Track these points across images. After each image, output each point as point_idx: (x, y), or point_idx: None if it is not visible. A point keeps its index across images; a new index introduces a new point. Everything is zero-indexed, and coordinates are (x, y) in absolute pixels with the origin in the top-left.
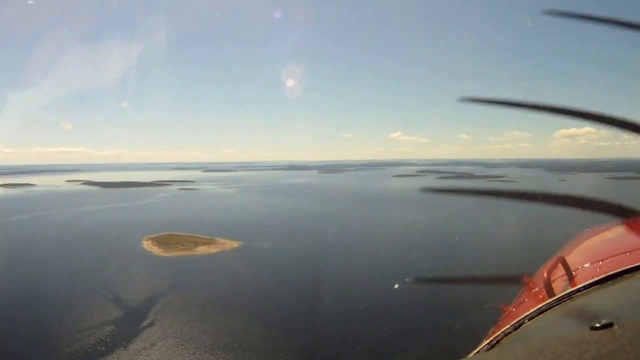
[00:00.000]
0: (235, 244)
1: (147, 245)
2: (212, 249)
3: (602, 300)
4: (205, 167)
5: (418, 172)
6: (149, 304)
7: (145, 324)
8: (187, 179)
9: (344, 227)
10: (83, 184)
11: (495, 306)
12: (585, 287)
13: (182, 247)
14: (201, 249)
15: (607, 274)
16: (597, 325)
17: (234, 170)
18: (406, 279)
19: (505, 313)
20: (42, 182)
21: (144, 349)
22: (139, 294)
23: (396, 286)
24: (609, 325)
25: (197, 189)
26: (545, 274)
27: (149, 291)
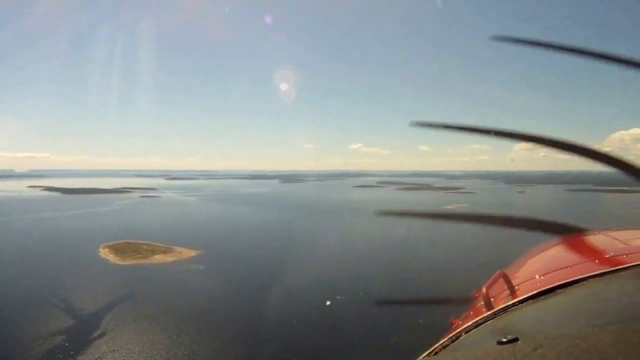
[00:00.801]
0: (192, 253)
1: (104, 253)
2: (169, 258)
3: (528, 314)
4: (168, 175)
5: (378, 183)
6: (101, 313)
7: (95, 334)
8: (149, 187)
9: (297, 238)
10: (45, 189)
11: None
12: (520, 302)
13: (138, 256)
14: (158, 258)
15: (541, 289)
16: (504, 340)
17: (196, 179)
18: (338, 297)
19: (454, 325)
20: (4, 187)
21: None
22: (92, 304)
23: (328, 303)
24: (514, 340)
25: (158, 197)
26: (484, 289)
27: (102, 300)
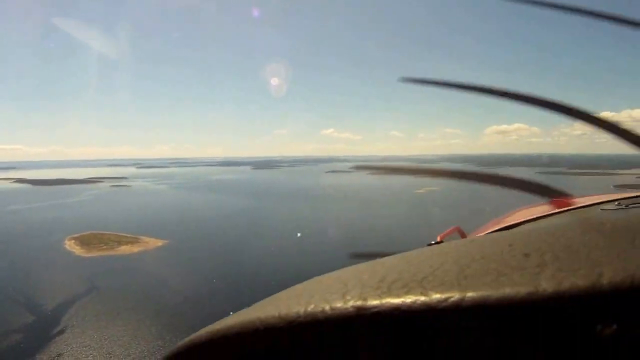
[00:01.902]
0: (159, 243)
1: (70, 245)
2: (135, 248)
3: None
4: (139, 164)
5: (351, 168)
6: (61, 309)
7: (55, 331)
8: (119, 176)
9: (267, 225)
10: (15, 182)
11: None
12: None
13: (104, 247)
14: (124, 249)
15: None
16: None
17: (167, 167)
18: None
19: None
20: None
21: None
22: (53, 299)
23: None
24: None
25: (128, 186)
26: (438, 238)
27: (63, 295)
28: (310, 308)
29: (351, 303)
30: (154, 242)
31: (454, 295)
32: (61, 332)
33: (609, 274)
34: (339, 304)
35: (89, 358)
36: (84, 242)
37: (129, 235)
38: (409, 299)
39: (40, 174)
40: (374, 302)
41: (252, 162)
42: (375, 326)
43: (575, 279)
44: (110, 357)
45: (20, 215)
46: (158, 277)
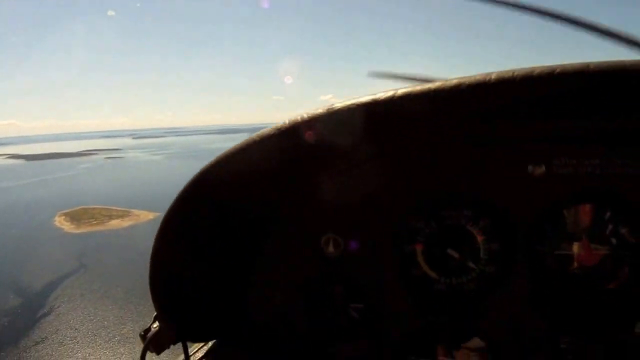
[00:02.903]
0: (151, 216)
1: (59, 221)
2: (125, 222)
3: None
4: (135, 134)
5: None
6: (48, 289)
7: (41, 313)
8: (114, 147)
9: None
10: (8, 157)
11: None
12: None
13: (94, 222)
14: (114, 223)
15: None
16: None
17: (163, 136)
18: None
19: None
20: None
21: (34, 345)
22: (40, 278)
23: None
24: None
25: (123, 157)
26: None
27: (50, 274)
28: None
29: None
30: (145, 215)
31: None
32: (47, 314)
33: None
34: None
35: (73, 341)
36: (74, 217)
37: (119, 209)
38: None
39: (35, 149)
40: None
41: (251, 129)
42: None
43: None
44: (95, 338)
45: (12, 192)
46: (147, 253)
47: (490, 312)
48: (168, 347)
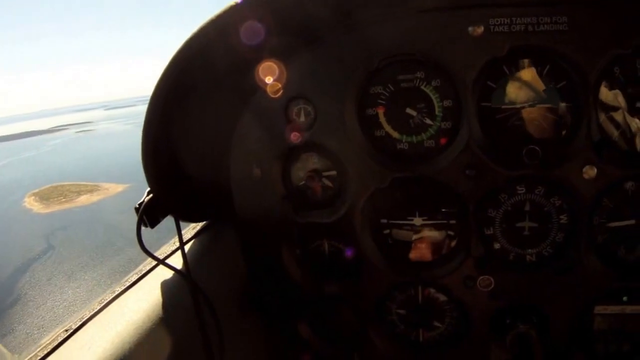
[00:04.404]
0: (120, 188)
1: (29, 202)
2: (95, 197)
3: None
4: (107, 105)
5: None
6: (16, 275)
7: (9, 301)
8: (85, 121)
9: None
10: None
11: None
12: None
13: (63, 200)
14: (83, 199)
15: None
16: None
17: (135, 105)
18: None
19: None
20: None
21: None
22: (9, 263)
23: None
24: None
25: (93, 130)
26: None
27: (18, 259)
28: None
29: None
30: (114, 188)
31: None
32: (13, 303)
33: None
34: None
35: (41, 330)
36: (43, 197)
37: (89, 184)
38: None
39: (4, 130)
40: None
41: None
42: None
43: None
44: (58, 325)
45: None
46: (116, 227)
47: (451, 164)
48: (161, 219)
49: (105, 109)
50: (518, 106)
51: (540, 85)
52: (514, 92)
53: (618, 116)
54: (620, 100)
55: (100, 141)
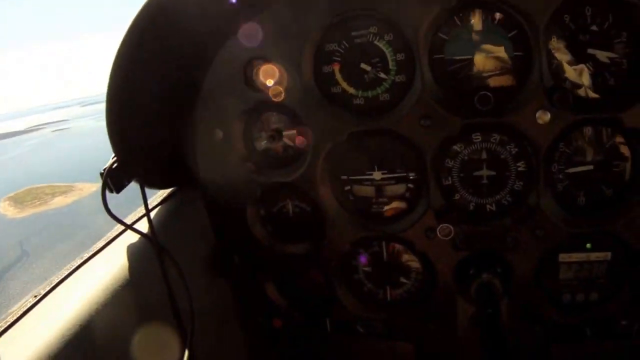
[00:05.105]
0: (94, 188)
1: (3, 207)
2: (69, 199)
3: None
4: (83, 102)
5: None
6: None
7: None
8: (62, 119)
9: None
10: None
11: None
12: None
13: (38, 203)
14: (57, 201)
15: None
16: None
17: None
18: None
19: None
20: None
21: None
22: None
23: None
24: None
25: (69, 128)
26: None
27: None
28: None
29: None
30: (88, 188)
31: None
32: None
33: None
34: None
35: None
36: (17, 201)
37: (63, 185)
38: None
39: None
40: None
41: None
42: None
43: None
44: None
45: None
46: (91, 229)
47: (406, 116)
48: (127, 184)
49: (81, 106)
50: (470, 57)
51: (492, 37)
52: (466, 43)
53: (568, 63)
54: (566, 48)
55: (76, 139)
